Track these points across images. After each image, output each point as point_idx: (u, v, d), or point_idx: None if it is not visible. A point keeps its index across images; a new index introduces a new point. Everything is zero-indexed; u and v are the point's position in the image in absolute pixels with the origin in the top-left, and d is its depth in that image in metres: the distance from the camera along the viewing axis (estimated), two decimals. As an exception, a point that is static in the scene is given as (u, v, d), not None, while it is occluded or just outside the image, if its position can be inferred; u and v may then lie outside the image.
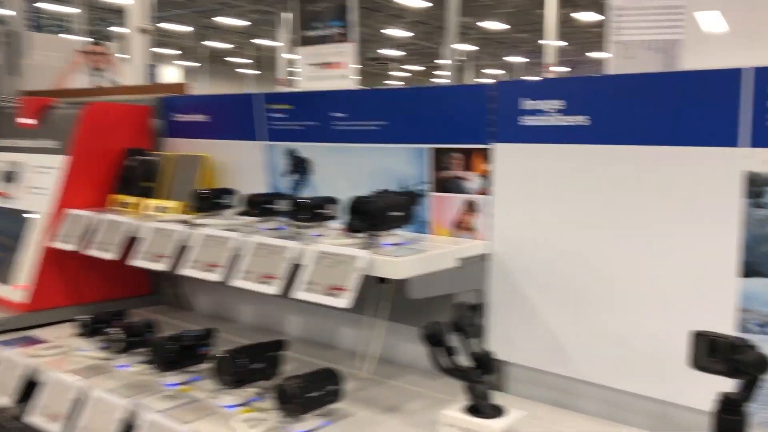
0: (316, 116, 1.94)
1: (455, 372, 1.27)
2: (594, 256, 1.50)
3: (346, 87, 2.04)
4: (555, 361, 1.58)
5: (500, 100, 1.61)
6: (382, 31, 18.15)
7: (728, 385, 1.31)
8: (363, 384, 1.70)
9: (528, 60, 21.86)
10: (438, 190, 1.73)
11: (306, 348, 1.95)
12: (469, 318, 1.27)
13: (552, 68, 14.25)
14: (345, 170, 1.90)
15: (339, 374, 1.50)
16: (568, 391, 1.58)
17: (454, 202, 1.71)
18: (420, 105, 1.74)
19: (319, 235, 1.65)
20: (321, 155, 1.96)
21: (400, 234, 1.61)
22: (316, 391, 1.42)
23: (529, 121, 1.56)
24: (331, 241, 1.56)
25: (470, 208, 1.68)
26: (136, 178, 2.21)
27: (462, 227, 1.70)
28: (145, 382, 1.67)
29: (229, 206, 1.93)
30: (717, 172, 1.31)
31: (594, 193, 1.49)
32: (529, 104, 1.56)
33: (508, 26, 17.75)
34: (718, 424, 0.97)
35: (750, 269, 1.29)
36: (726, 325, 1.32)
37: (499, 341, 1.64)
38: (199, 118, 2.27)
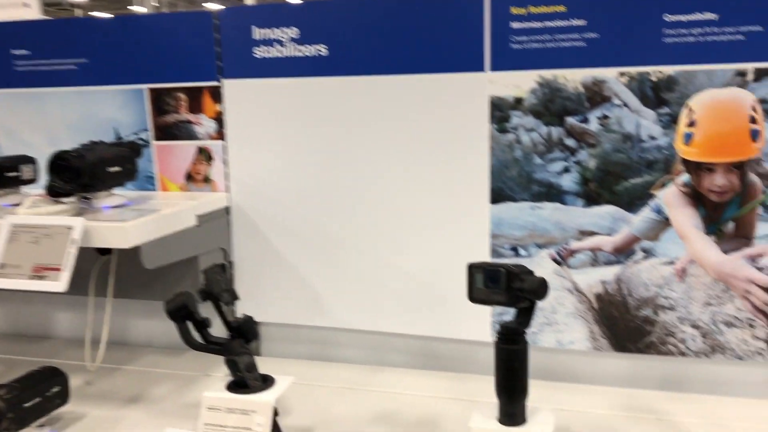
0: (-13, 55, 1.54)
1: (213, 347, 1.09)
2: (341, 196, 1.40)
3: (29, 17, 1.64)
4: (311, 314, 1.47)
5: (228, 29, 1.40)
6: (60, -27, 16.13)
7: (486, 311, 1.33)
8: (93, 376, 1.42)
9: (224, 7, 21.26)
10: (162, 138, 1.48)
11: (12, 345, 1.60)
12: (222, 282, 1.09)
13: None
14: (38, 122, 1.54)
15: (61, 372, 1.22)
16: (327, 342, 1.49)
17: (184, 150, 1.48)
18: (131, 38, 1.45)
19: (13, 205, 1.31)
20: (1, 104, 1.57)
21: (121, 194, 1.35)
22: (34, 397, 1.13)
23: (263, 52, 1.38)
24: (29, 210, 1.24)
25: (203, 156, 1.47)
26: None
27: (196, 179, 1.48)
28: None
29: None
30: (465, 98, 1.27)
31: (338, 129, 1.37)
32: (260, 33, 1.38)
33: (203, -30, 17.02)
34: (500, 354, 0.93)
35: (498, 194, 1.29)
36: (482, 253, 1.32)
37: (248, 301, 1.48)
38: None
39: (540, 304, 1.30)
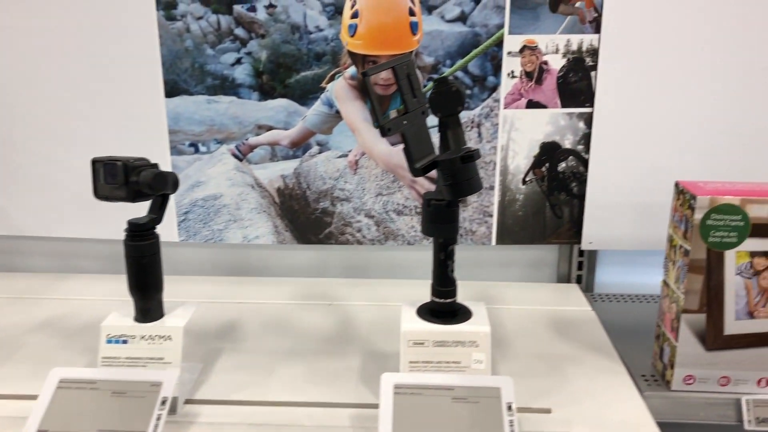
0: None
1: None
2: (8, 93, 1.26)
3: None
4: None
5: None
6: None
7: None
8: None
9: None
10: None
11: None
12: None
13: None
14: None
15: None
16: (10, 251, 1.39)
17: None
18: None
19: None
20: None
21: None
22: None
23: None
24: None
25: None
26: None
27: None
28: None
29: None
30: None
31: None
32: None
33: None
34: (129, 251, 0.90)
35: (172, 87, 1.23)
36: (161, 150, 1.26)
37: None
38: None
39: (224, 201, 1.30)
